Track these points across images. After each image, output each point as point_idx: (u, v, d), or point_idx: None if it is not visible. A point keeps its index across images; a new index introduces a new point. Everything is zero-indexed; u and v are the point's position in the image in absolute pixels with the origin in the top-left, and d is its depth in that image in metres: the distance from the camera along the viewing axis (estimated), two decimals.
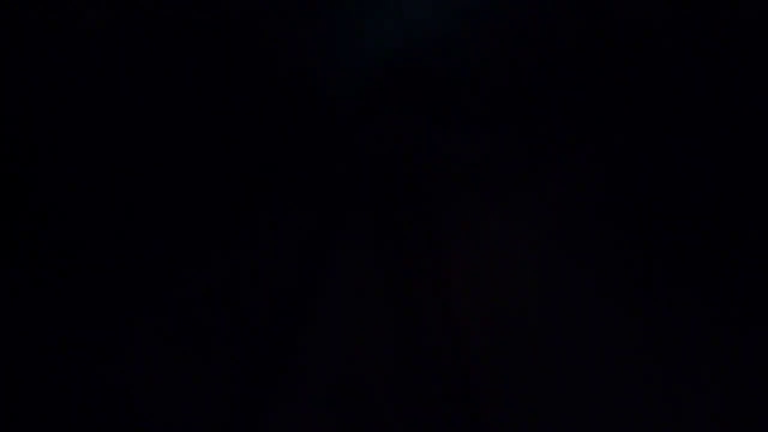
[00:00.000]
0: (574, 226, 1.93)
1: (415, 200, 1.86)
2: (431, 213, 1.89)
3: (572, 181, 1.90)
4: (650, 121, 1.86)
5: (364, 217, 1.90)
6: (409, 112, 1.86)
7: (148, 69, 1.71)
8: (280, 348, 1.78)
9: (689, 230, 1.88)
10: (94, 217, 1.88)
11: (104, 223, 1.92)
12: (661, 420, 1.55)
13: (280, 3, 1.56)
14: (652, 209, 1.92)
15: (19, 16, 1.61)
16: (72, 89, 1.75)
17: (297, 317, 1.77)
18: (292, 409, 1.54)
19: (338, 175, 1.74)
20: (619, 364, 1.68)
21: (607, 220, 1.96)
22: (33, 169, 1.77)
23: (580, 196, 1.92)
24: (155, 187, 1.88)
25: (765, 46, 1.65)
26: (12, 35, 1.61)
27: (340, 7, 1.66)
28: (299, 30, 1.60)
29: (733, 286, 1.87)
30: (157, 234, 1.85)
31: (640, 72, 1.82)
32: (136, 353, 1.75)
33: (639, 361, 1.69)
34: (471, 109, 1.77)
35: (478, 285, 1.86)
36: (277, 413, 1.53)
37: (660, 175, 1.90)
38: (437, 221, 1.90)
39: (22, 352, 1.73)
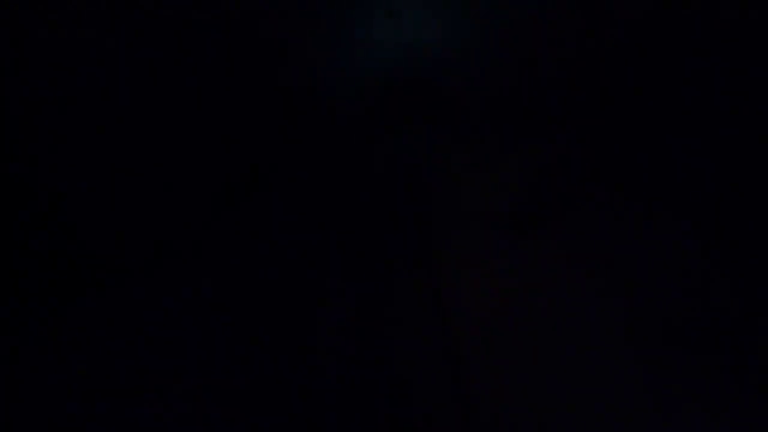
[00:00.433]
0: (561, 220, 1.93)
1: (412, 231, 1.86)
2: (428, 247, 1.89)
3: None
4: (654, 123, 1.86)
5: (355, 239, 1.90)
6: (410, 121, 1.86)
7: (148, 70, 1.72)
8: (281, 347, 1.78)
9: (688, 228, 1.88)
10: (94, 217, 1.88)
11: (103, 222, 1.92)
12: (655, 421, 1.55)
13: (282, 5, 1.56)
14: (659, 212, 1.92)
15: (19, 16, 1.61)
16: (70, 89, 1.76)
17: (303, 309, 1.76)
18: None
19: (336, 189, 1.74)
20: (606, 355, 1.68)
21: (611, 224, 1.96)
22: (32, 169, 1.77)
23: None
24: (154, 186, 1.88)
25: (764, 46, 1.65)
26: (12, 35, 1.61)
27: (341, 12, 1.66)
28: (300, 34, 1.60)
29: (731, 278, 1.87)
30: (156, 233, 1.85)
31: (640, 73, 1.82)
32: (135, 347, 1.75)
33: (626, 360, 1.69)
34: (475, 120, 1.77)
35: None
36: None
37: (662, 176, 1.90)
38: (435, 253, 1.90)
39: (21, 352, 1.73)
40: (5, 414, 1.57)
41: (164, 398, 1.69)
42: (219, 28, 1.64)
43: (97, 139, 1.81)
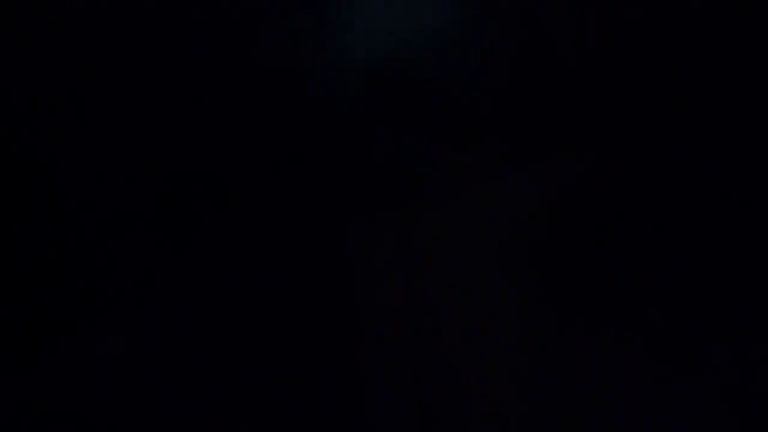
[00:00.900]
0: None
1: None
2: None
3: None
4: (656, 124, 1.87)
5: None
6: (402, 119, 1.87)
7: (144, 68, 1.73)
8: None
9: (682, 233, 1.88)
10: (93, 216, 1.89)
11: (103, 223, 1.93)
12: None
13: (276, 3, 1.57)
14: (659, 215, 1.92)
15: (19, 16, 1.61)
16: (67, 88, 1.76)
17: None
18: None
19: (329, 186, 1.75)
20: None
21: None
22: (32, 168, 1.78)
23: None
24: (153, 186, 1.89)
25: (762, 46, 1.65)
26: (12, 35, 1.61)
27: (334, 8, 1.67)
28: (294, 28, 1.60)
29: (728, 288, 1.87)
30: (155, 233, 1.86)
31: (644, 72, 1.83)
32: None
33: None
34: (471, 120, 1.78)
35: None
36: None
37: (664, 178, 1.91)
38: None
39: (20, 352, 1.74)
40: (5, 414, 1.57)
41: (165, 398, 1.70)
42: (214, 26, 1.64)
43: (94, 137, 1.82)
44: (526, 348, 1.78)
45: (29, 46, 1.66)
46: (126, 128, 1.82)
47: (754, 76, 1.70)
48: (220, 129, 1.83)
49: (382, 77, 1.87)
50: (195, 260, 1.96)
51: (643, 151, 1.87)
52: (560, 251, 1.86)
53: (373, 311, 1.77)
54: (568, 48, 1.77)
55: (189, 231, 1.91)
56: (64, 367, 1.80)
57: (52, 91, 1.73)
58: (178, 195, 1.87)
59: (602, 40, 1.80)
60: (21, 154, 1.70)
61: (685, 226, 1.87)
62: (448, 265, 1.84)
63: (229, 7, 1.70)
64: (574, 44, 1.76)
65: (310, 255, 1.94)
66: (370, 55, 1.80)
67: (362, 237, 1.92)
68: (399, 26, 1.76)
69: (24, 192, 1.73)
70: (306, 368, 1.71)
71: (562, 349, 1.76)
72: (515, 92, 1.84)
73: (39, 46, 1.66)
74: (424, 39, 1.79)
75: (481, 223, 1.89)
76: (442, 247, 1.85)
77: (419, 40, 1.79)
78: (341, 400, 1.67)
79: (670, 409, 1.61)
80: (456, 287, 1.84)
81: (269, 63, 1.72)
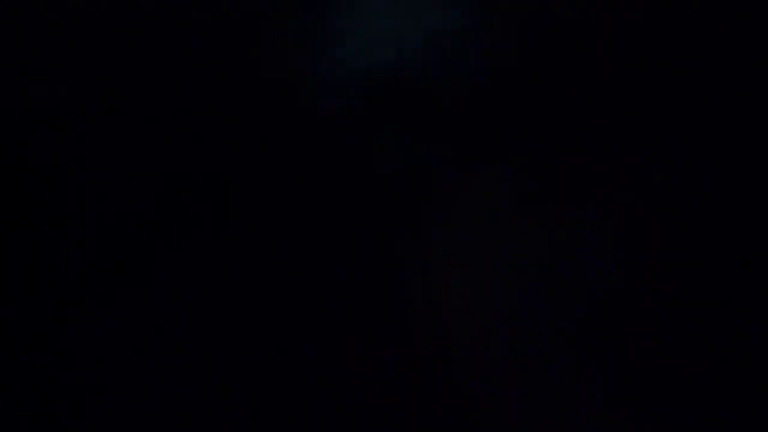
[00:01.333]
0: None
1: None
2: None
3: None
4: (655, 125, 1.87)
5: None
6: (399, 123, 1.87)
7: (142, 69, 1.73)
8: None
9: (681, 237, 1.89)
10: (93, 216, 1.89)
11: (103, 222, 1.93)
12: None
13: (275, 6, 1.56)
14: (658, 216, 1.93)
15: (19, 15, 1.61)
16: (65, 88, 1.76)
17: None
18: None
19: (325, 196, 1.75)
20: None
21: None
22: (31, 169, 1.78)
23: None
24: (152, 186, 1.89)
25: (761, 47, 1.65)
26: (12, 35, 1.61)
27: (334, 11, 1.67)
28: (284, 32, 1.60)
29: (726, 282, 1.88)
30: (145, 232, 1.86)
31: (642, 73, 1.83)
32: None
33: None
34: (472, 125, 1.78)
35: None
36: None
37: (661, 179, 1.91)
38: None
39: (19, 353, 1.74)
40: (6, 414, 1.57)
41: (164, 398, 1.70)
42: (212, 28, 1.64)
43: (93, 138, 1.81)
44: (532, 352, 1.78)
45: (29, 46, 1.65)
46: (124, 129, 1.82)
47: (752, 76, 1.70)
48: (220, 134, 1.83)
49: (384, 82, 1.86)
50: (194, 268, 1.96)
51: (646, 152, 1.87)
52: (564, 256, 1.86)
53: (377, 313, 1.77)
54: (571, 50, 1.76)
55: (188, 237, 1.91)
56: (64, 366, 1.80)
57: (52, 92, 1.73)
58: (178, 199, 1.86)
59: (605, 42, 1.79)
60: (21, 155, 1.70)
61: (685, 227, 1.87)
62: (453, 271, 1.84)
63: (229, 10, 1.70)
64: (576, 46, 1.76)
65: (310, 262, 1.93)
66: (372, 60, 1.79)
67: (366, 242, 1.92)
68: (402, 31, 1.75)
69: (24, 193, 1.73)
70: (305, 371, 1.71)
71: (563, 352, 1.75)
72: (519, 96, 1.83)
73: (39, 46, 1.66)
74: (426, 44, 1.79)
75: (485, 228, 1.89)
76: (447, 253, 1.85)
77: (422, 45, 1.79)
78: (342, 402, 1.67)
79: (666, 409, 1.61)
80: (461, 293, 1.84)
81: (270, 67, 1.71)
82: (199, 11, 1.66)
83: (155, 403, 1.68)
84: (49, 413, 1.67)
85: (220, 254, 1.88)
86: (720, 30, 1.65)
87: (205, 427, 1.63)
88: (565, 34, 1.76)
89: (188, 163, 1.85)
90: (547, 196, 1.91)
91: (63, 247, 1.88)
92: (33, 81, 1.64)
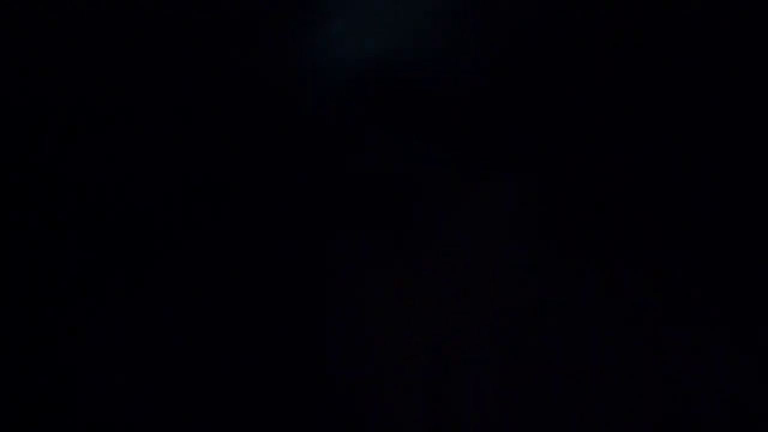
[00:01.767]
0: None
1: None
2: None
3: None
4: (654, 125, 1.86)
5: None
6: (392, 123, 1.87)
7: (140, 69, 1.73)
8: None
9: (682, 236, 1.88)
10: (92, 217, 1.89)
11: (103, 222, 1.92)
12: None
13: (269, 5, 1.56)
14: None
15: (19, 15, 1.61)
16: (63, 88, 1.76)
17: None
18: None
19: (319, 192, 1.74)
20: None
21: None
22: (31, 169, 1.77)
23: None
24: (152, 185, 1.89)
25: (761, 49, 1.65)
26: (12, 35, 1.61)
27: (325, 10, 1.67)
28: (274, 31, 1.60)
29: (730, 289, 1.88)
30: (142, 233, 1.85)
31: (640, 73, 1.83)
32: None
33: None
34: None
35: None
36: None
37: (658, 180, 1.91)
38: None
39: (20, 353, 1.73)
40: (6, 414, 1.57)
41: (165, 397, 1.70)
42: (209, 28, 1.64)
43: (92, 138, 1.81)
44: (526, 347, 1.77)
45: (29, 47, 1.66)
46: (122, 128, 1.82)
47: (750, 76, 1.70)
48: (213, 134, 1.83)
49: (379, 80, 1.86)
50: (192, 268, 1.95)
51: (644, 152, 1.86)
52: (560, 253, 1.86)
53: (369, 320, 1.77)
54: (571, 46, 1.76)
55: (185, 237, 1.91)
56: (64, 366, 1.80)
57: (51, 92, 1.73)
58: (175, 198, 1.86)
59: (607, 39, 1.79)
60: (21, 156, 1.70)
61: (686, 228, 1.86)
62: (448, 273, 1.83)
63: (224, 7, 1.69)
64: (577, 42, 1.75)
65: (305, 263, 1.93)
66: (367, 57, 1.79)
67: (359, 244, 1.91)
68: (397, 26, 1.75)
69: (24, 193, 1.73)
70: (299, 375, 1.70)
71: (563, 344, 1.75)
72: (517, 95, 1.83)
73: (39, 47, 1.66)
74: (422, 40, 1.79)
75: (481, 229, 1.89)
76: (442, 255, 1.85)
77: (418, 41, 1.79)
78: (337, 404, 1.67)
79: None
80: (457, 295, 1.83)
81: (265, 65, 1.71)
82: (192, 8, 1.65)
83: (154, 402, 1.68)
84: (49, 413, 1.67)
85: (216, 255, 1.87)
86: (721, 30, 1.65)
87: (204, 427, 1.63)
88: (566, 29, 1.75)
89: (183, 163, 1.85)
90: (547, 199, 1.90)
91: (62, 248, 1.87)
92: (33, 81, 1.65)
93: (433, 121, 1.84)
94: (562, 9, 1.69)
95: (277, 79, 1.71)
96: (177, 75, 1.72)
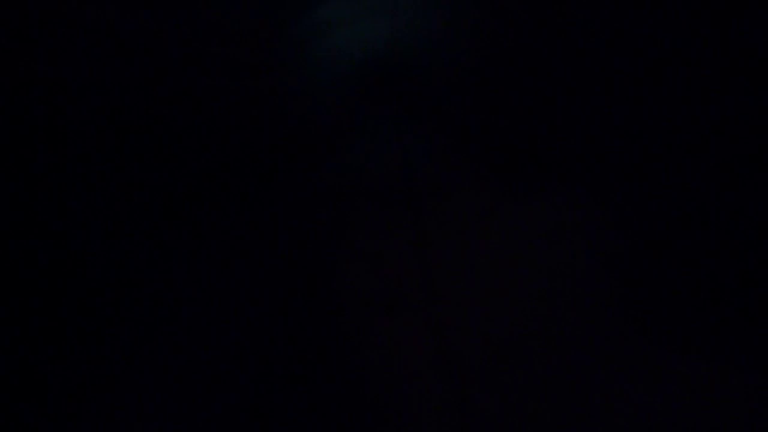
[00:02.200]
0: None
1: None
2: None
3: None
4: (651, 120, 1.86)
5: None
6: (392, 115, 1.86)
7: (140, 73, 1.71)
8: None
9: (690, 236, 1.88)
10: (93, 218, 1.88)
11: (105, 222, 1.92)
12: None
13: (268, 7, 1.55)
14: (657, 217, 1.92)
15: (19, 15, 1.61)
16: (64, 89, 1.75)
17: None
18: None
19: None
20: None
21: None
22: (32, 168, 1.77)
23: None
24: (153, 185, 1.88)
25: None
26: (12, 35, 1.61)
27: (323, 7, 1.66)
28: (275, 30, 1.59)
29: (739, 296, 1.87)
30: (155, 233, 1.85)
31: (638, 70, 1.82)
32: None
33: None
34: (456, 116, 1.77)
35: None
36: None
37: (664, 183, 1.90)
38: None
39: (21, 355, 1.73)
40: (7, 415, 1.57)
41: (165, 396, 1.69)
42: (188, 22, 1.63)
43: (94, 139, 1.81)
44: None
45: (30, 49, 1.66)
46: (119, 129, 1.81)
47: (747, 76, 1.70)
48: (215, 133, 1.82)
49: (382, 72, 1.85)
50: (195, 263, 1.94)
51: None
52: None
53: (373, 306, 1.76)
54: (570, 39, 1.76)
55: (189, 234, 1.90)
56: (63, 366, 1.79)
57: (51, 94, 1.73)
58: (179, 197, 1.86)
59: (606, 33, 1.79)
60: (21, 158, 1.70)
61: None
62: (456, 263, 1.82)
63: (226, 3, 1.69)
64: (574, 35, 1.75)
65: (309, 256, 1.92)
66: (366, 50, 1.78)
67: (366, 236, 1.90)
68: (398, 20, 1.74)
69: (24, 194, 1.73)
70: (305, 368, 1.70)
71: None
72: (516, 86, 1.82)
73: (38, 47, 1.67)
74: (422, 34, 1.78)
75: (481, 219, 1.88)
76: (449, 246, 1.84)
77: (419, 35, 1.78)
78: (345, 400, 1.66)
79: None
80: (469, 288, 1.83)
81: (265, 59, 1.70)
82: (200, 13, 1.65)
83: (153, 403, 1.67)
84: (50, 413, 1.66)
85: (218, 249, 1.86)
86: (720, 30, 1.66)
87: (203, 427, 1.62)
88: (565, 24, 1.75)
89: (186, 160, 1.84)
90: (543, 184, 1.89)
91: (64, 247, 1.86)
92: (33, 82, 1.65)
93: (436, 112, 1.83)
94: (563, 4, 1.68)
95: (278, 71, 1.71)
96: (181, 67, 1.71)
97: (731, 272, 1.69)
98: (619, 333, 1.69)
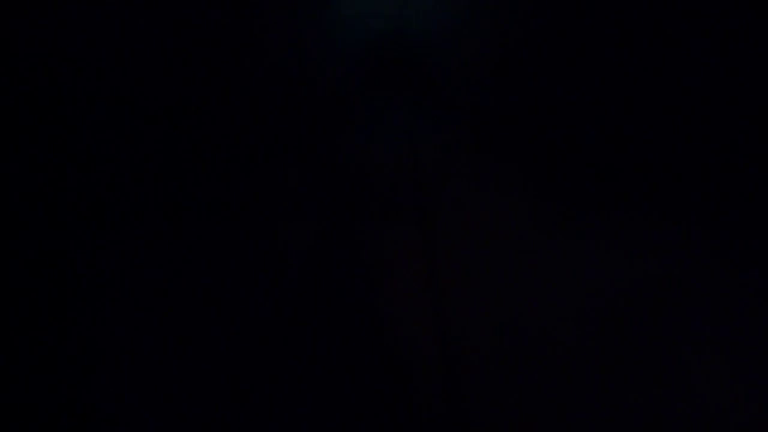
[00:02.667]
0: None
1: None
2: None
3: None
4: (653, 118, 1.85)
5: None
6: (397, 103, 1.84)
7: (143, 68, 1.70)
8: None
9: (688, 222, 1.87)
10: (94, 216, 1.87)
11: (107, 221, 1.91)
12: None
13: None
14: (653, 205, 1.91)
15: (19, 15, 1.60)
16: (68, 88, 1.74)
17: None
18: None
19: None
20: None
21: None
22: (33, 168, 1.76)
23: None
24: (154, 183, 1.87)
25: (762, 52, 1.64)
26: (12, 34, 1.60)
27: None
28: (283, 15, 1.58)
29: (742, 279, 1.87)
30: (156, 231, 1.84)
31: (640, 67, 1.81)
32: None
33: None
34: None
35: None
36: None
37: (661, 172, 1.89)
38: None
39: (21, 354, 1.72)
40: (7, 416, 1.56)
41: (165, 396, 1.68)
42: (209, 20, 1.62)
43: (96, 138, 1.80)
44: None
45: (30, 47, 1.65)
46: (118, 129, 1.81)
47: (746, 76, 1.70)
48: (220, 128, 1.82)
49: (389, 59, 1.83)
50: (200, 261, 1.94)
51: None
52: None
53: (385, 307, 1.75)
54: (578, 35, 1.75)
55: (194, 231, 1.89)
56: (64, 366, 1.78)
57: (51, 93, 1.72)
58: (184, 192, 1.85)
59: (614, 32, 1.77)
60: (21, 156, 1.69)
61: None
62: (464, 261, 1.81)
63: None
64: (583, 32, 1.74)
65: (319, 254, 1.91)
66: (374, 37, 1.77)
67: (374, 234, 1.89)
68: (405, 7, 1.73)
69: (24, 194, 1.72)
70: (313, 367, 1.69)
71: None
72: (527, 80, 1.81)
73: (39, 46, 1.66)
74: (431, 20, 1.76)
75: (491, 216, 1.87)
76: (450, 237, 1.82)
77: (429, 21, 1.76)
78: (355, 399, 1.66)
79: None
80: (472, 281, 1.81)
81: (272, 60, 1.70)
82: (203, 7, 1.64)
83: (153, 404, 1.67)
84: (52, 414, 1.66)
85: (222, 246, 1.85)
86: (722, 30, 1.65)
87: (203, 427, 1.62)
88: (574, 19, 1.74)
89: (192, 154, 1.83)
90: (554, 185, 1.88)
91: (66, 249, 1.86)
92: (32, 82, 1.64)
93: (449, 105, 1.81)
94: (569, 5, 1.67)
95: (288, 62, 1.70)
96: (186, 56, 1.71)
97: None
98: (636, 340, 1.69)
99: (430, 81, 1.72)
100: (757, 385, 1.56)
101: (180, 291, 1.91)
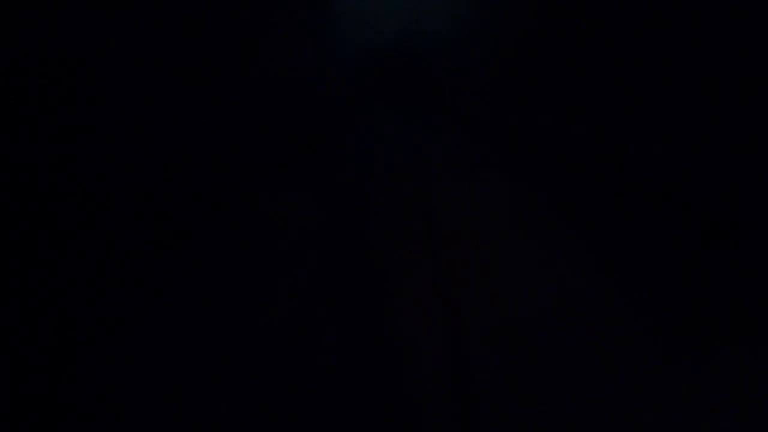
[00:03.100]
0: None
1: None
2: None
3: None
4: (655, 116, 1.85)
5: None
6: (403, 105, 1.83)
7: (148, 68, 1.70)
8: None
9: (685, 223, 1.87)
10: (98, 214, 1.87)
11: (110, 220, 1.90)
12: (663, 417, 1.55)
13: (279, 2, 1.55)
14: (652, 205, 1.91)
15: (19, 15, 1.60)
16: (71, 88, 1.74)
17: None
18: None
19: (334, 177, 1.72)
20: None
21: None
22: (33, 168, 1.76)
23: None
24: (156, 182, 1.87)
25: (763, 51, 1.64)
26: (11, 34, 1.60)
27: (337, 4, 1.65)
28: (288, 20, 1.58)
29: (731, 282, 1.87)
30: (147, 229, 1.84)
31: (641, 66, 1.81)
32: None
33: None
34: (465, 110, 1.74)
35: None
36: None
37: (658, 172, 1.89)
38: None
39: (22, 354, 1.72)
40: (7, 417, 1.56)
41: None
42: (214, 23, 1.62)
43: (102, 137, 1.79)
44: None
45: (30, 46, 1.65)
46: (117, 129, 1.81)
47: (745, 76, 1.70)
48: (222, 136, 1.82)
49: (392, 66, 1.84)
50: (200, 262, 1.93)
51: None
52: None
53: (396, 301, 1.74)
54: (578, 41, 1.76)
55: (199, 235, 1.90)
56: (66, 367, 1.78)
57: (50, 93, 1.73)
58: (190, 193, 1.86)
59: (615, 35, 1.78)
60: (22, 156, 1.70)
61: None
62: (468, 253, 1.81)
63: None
64: (583, 38, 1.75)
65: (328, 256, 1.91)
66: (376, 46, 1.77)
67: (380, 230, 1.88)
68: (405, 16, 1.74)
69: (24, 194, 1.72)
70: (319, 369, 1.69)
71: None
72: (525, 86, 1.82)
73: (38, 46, 1.66)
74: (430, 30, 1.76)
75: (489, 221, 1.87)
76: (452, 240, 1.82)
77: (432, 27, 1.77)
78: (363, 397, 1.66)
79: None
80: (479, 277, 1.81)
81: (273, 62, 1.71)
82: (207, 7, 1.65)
83: (154, 406, 1.67)
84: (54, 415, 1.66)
85: (224, 244, 1.84)
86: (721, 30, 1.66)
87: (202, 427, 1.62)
88: (574, 25, 1.75)
89: (193, 157, 1.83)
90: (548, 190, 1.88)
91: (67, 251, 1.86)
92: (33, 82, 1.65)
93: (453, 112, 1.82)
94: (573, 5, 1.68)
95: (291, 64, 1.71)
96: (191, 54, 1.71)
97: None
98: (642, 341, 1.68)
99: (434, 87, 1.72)
100: None
101: (180, 291, 1.91)
